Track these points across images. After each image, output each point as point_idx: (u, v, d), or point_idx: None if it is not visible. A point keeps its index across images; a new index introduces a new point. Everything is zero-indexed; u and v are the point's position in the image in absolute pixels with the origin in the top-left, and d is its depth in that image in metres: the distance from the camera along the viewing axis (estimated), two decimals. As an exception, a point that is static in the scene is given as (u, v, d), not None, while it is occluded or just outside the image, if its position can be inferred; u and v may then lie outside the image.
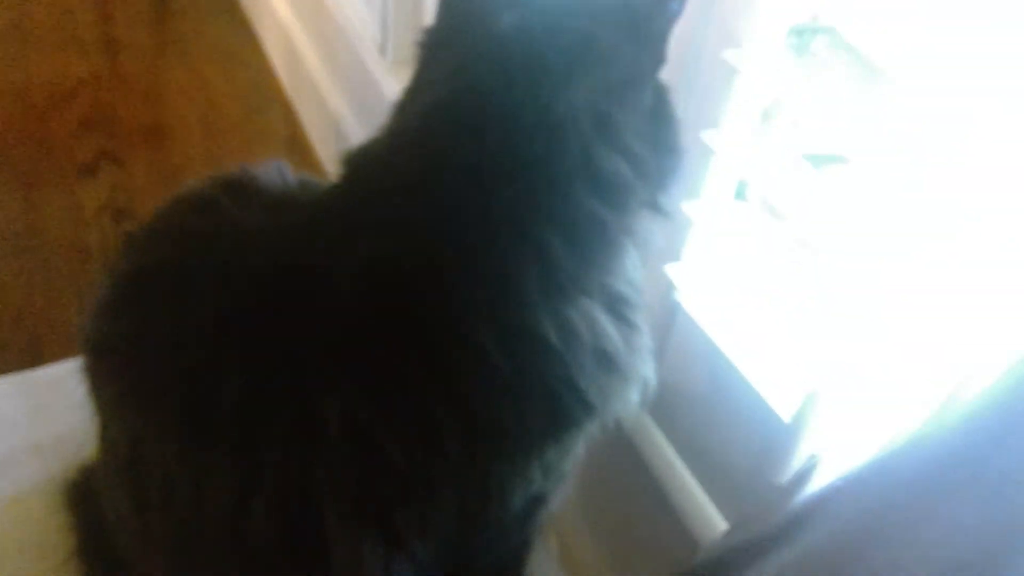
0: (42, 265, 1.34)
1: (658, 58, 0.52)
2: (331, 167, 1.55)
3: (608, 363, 0.50)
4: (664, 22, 0.51)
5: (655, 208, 0.53)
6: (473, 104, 0.48)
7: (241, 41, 2.00)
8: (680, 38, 0.55)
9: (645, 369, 0.55)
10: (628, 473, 0.82)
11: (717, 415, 0.71)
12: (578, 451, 0.56)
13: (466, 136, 0.47)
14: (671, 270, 0.71)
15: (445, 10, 0.52)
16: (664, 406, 0.76)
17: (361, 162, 0.51)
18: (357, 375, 0.46)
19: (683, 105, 0.67)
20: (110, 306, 0.53)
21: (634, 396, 0.55)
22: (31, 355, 1.19)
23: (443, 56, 0.51)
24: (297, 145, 1.67)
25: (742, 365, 0.65)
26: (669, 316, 0.74)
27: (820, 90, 0.57)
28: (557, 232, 0.47)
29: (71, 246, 1.39)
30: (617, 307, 0.51)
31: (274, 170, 0.58)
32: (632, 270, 0.52)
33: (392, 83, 1.21)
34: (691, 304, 0.71)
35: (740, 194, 0.69)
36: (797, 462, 0.59)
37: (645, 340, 0.54)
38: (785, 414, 0.61)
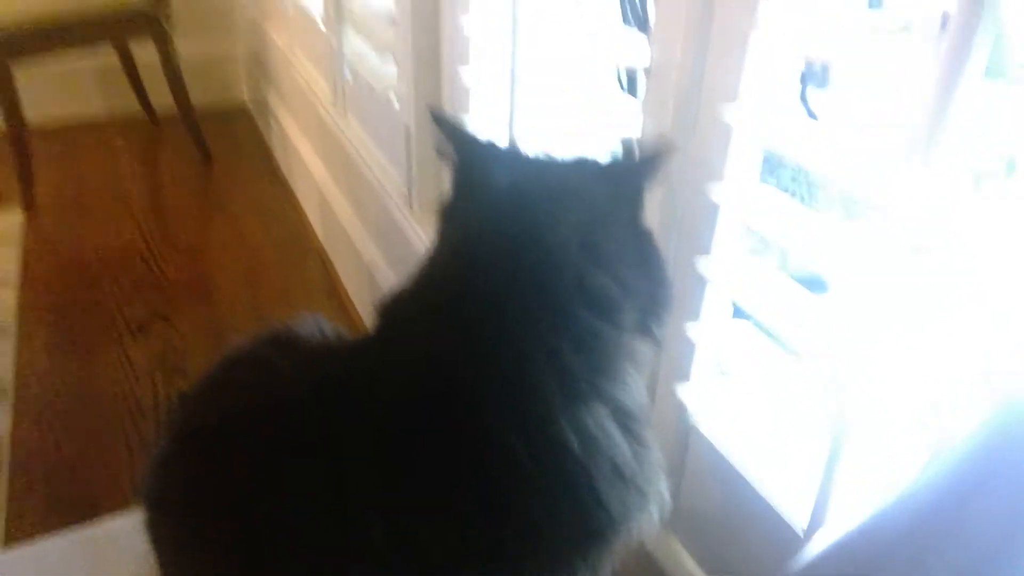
0: (96, 422, 1.42)
1: (635, 204, 0.59)
2: (365, 312, 1.64)
3: (621, 475, 0.54)
4: (634, 186, 0.59)
5: (647, 333, 0.58)
6: (484, 247, 0.56)
7: (280, 199, 2.15)
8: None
9: (659, 485, 0.58)
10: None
11: (735, 529, 0.72)
12: (606, 572, 0.59)
13: (481, 273, 0.55)
14: (682, 391, 0.75)
15: (455, 183, 0.61)
16: (684, 521, 0.78)
17: (393, 307, 0.58)
18: (398, 486, 0.51)
19: (675, 236, 0.74)
20: (167, 462, 0.59)
21: (653, 512, 0.58)
22: (86, 511, 1.23)
23: (456, 216, 0.60)
24: (334, 293, 1.77)
25: (755, 479, 0.68)
26: (684, 435, 0.77)
27: (804, 217, 0.63)
28: (565, 340, 0.53)
29: (124, 403, 1.46)
30: (624, 420, 0.55)
31: (312, 323, 0.65)
32: (634, 387, 0.57)
33: (418, 231, 1.31)
34: (703, 423, 0.74)
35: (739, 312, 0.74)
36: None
37: (655, 456, 0.58)
38: (799, 525, 0.63)
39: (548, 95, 0.91)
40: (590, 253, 0.55)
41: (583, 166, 0.60)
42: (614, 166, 0.60)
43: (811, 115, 1.45)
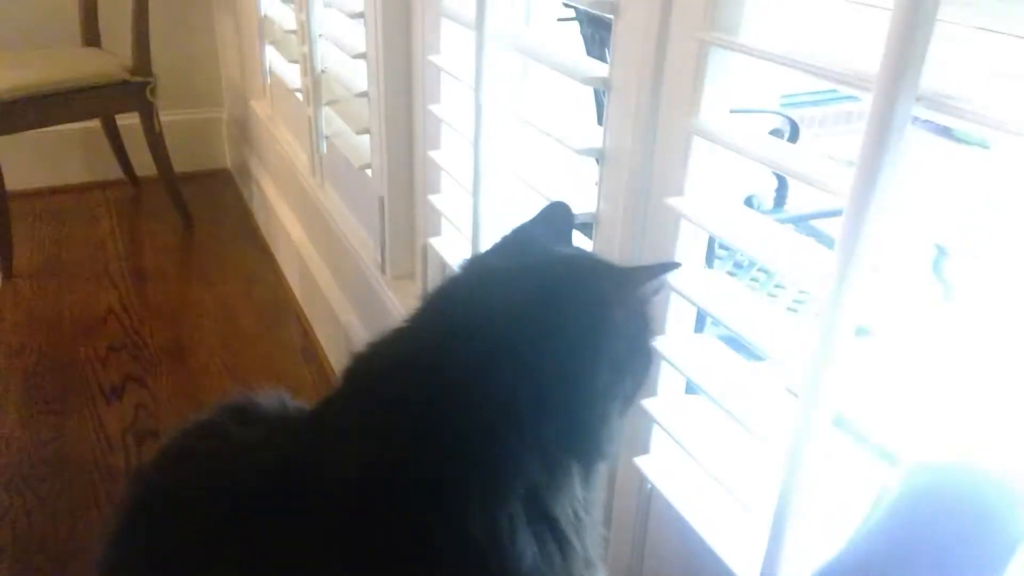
0: (67, 490, 1.41)
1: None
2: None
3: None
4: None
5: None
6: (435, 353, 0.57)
7: (260, 263, 2.18)
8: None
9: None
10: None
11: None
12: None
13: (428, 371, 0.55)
14: (642, 463, 0.78)
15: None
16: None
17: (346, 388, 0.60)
18: (349, 567, 0.52)
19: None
20: (117, 535, 0.60)
21: None
22: (55, 580, 1.23)
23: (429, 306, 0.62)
24: (313, 357, 1.79)
25: (711, 541, 0.70)
26: (645, 503, 0.80)
27: (747, 300, 0.67)
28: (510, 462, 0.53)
29: (96, 469, 1.46)
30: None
31: (275, 397, 0.67)
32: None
33: (392, 297, 1.34)
34: (664, 489, 0.77)
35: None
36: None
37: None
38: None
39: (511, 175, 0.96)
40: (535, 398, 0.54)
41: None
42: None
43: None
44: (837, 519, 0.59)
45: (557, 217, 0.65)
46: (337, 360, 1.71)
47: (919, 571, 0.37)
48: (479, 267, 0.62)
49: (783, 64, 0.57)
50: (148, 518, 0.60)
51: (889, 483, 0.42)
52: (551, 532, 0.54)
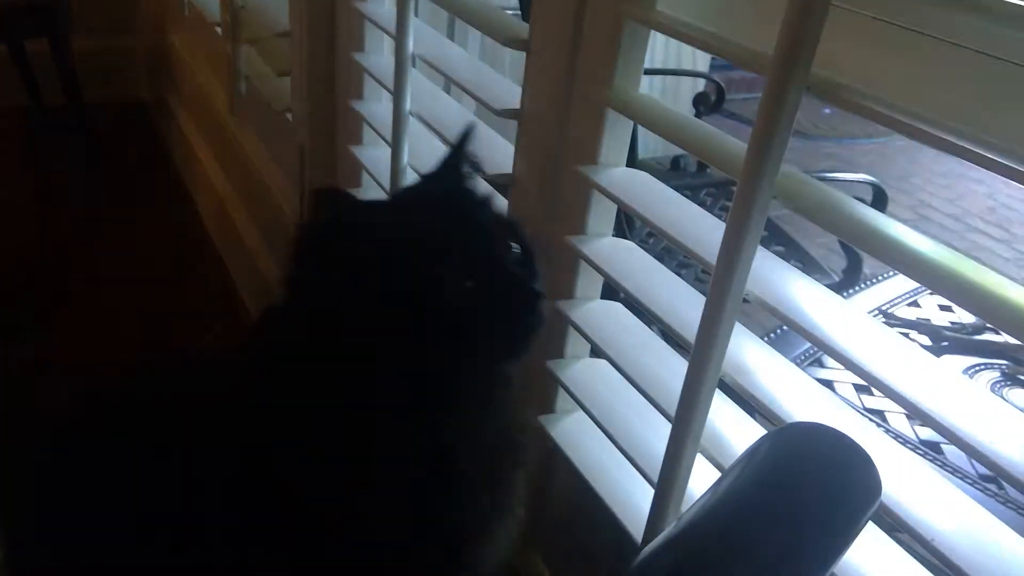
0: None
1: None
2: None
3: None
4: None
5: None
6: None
7: (176, 202, 2.11)
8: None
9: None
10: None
11: (587, 541, 0.79)
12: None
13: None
14: (546, 421, 0.81)
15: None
16: (546, 537, 0.84)
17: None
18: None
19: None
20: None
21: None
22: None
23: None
24: (230, 301, 1.75)
25: (606, 496, 0.74)
26: (548, 460, 0.83)
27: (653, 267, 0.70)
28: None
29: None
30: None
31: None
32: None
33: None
34: (566, 448, 0.80)
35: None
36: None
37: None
38: (637, 536, 0.69)
39: (435, 123, 0.95)
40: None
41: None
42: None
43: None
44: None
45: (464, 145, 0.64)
46: (254, 305, 1.68)
47: (780, 527, 0.40)
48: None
49: (689, 43, 0.58)
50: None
51: (758, 443, 0.46)
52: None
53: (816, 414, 0.56)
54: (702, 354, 0.58)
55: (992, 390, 1.08)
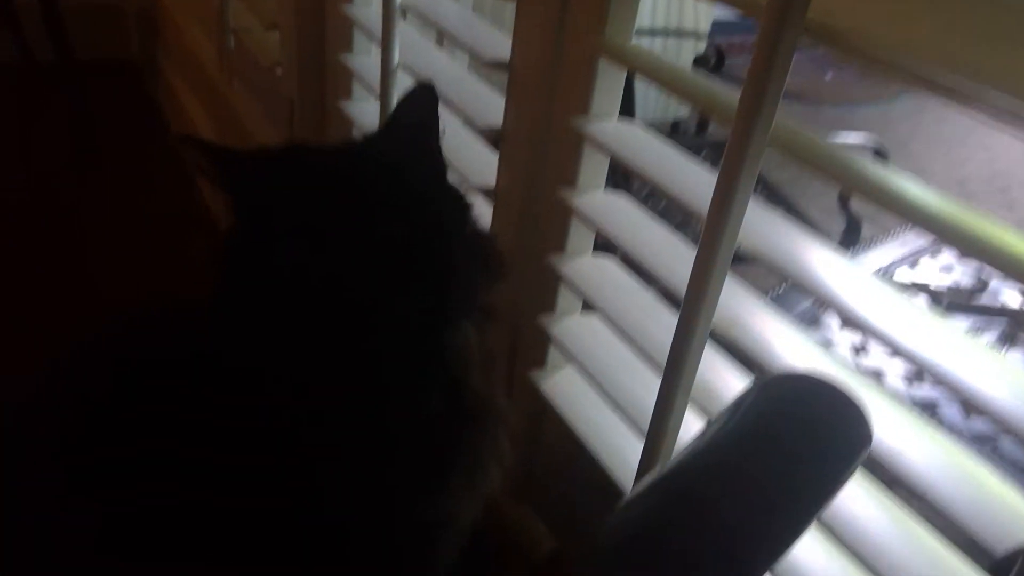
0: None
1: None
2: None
3: None
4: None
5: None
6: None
7: (167, 162, 2.08)
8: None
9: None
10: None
11: (578, 494, 0.79)
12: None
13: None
14: (537, 376, 0.80)
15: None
16: (537, 490, 0.83)
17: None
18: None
19: (528, 235, 0.78)
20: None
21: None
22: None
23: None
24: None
25: (596, 450, 0.73)
26: (539, 414, 0.83)
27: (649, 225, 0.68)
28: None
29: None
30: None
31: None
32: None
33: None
34: (557, 402, 0.79)
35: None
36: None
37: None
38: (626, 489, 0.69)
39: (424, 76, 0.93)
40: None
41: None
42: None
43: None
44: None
45: (421, 105, 0.62)
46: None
47: (770, 473, 0.39)
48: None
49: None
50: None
51: (746, 391, 0.45)
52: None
53: (808, 366, 0.56)
54: (693, 304, 0.57)
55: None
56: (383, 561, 0.60)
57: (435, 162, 0.62)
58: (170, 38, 2.16)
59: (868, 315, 0.51)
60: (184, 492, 0.54)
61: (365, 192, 0.55)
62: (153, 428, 0.55)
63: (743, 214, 0.54)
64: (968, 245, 0.44)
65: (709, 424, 0.43)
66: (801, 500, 0.37)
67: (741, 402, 0.41)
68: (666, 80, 0.63)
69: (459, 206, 0.61)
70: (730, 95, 0.58)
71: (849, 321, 0.51)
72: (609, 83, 0.70)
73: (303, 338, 0.53)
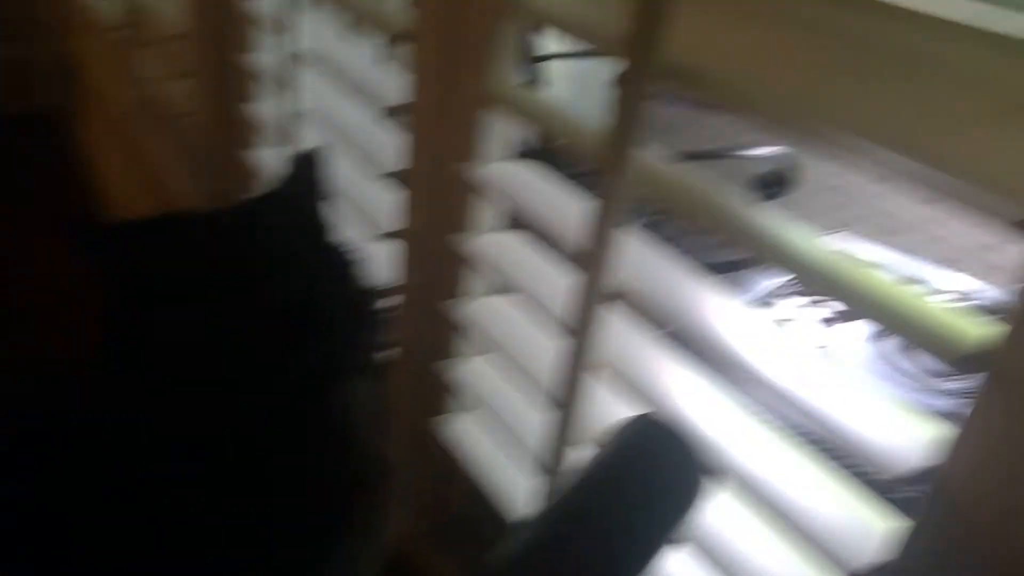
0: None
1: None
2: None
3: None
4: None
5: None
6: None
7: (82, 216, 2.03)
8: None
9: None
10: None
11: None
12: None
13: None
14: (441, 420, 0.80)
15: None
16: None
17: None
18: None
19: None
20: None
21: None
22: None
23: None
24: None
25: (499, 489, 0.73)
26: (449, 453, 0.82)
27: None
28: None
29: None
30: None
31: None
32: None
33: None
34: (465, 445, 0.79)
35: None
36: None
37: None
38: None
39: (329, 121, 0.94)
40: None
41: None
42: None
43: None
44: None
45: (303, 170, 0.63)
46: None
47: (611, 515, 0.40)
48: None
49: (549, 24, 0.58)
50: None
51: (607, 435, 0.46)
52: None
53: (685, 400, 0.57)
54: (574, 343, 0.58)
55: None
56: None
57: (313, 224, 0.62)
58: (84, 88, 2.12)
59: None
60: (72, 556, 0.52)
61: (239, 258, 0.55)
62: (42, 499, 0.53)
63: (616, 250, 0.55)
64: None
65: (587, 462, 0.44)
66: (638, 537, 0.38)
67: (600, 450, 0.43)
68: (544, 120, 0.64)
69: (338, 265, 0.61)
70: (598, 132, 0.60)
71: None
72: (496, 127, 0.71)
73: (185, 408, 0.52)
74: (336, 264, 0.60)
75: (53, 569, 0.51)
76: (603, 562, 0.38)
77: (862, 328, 1.18)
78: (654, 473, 0.41)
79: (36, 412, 0.60)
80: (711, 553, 0.51)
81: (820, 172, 1.91)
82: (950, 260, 1.48)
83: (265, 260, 0.55)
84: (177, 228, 0.58)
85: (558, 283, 0.69)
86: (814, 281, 0.45)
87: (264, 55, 1.06)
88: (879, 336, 1.15)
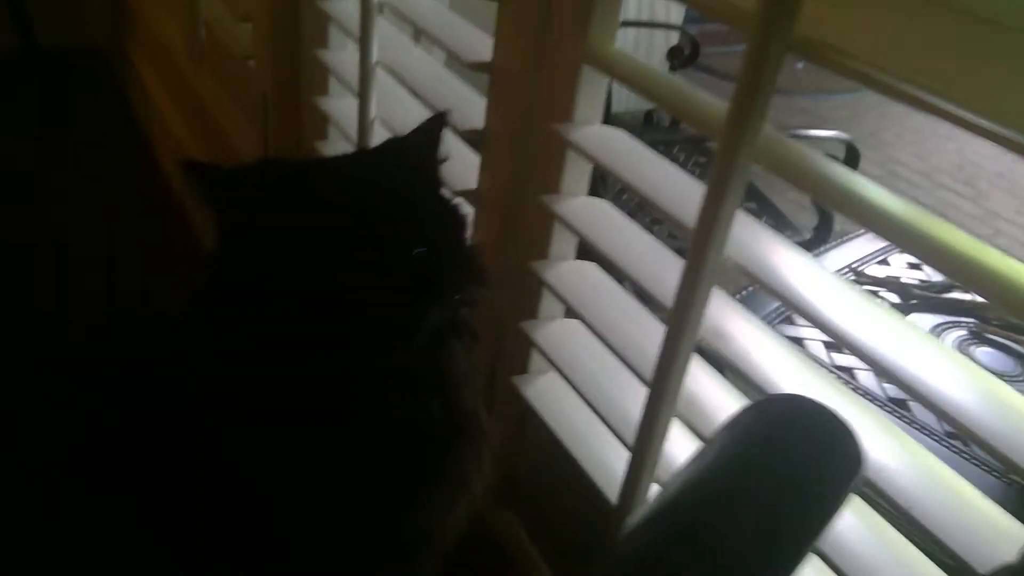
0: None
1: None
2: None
3: None
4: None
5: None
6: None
7: (137, 156, 2.04)
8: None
9: None
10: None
11: (563, 502, 0.79)
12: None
13: None
14: (520, 382, 0.80)
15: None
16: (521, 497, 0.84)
17: None
18: None
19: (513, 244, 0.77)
20: None
21: None
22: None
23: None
24: (199, 259, 1.70)
25: (581, 458, 0.73)
26: (522, 420, 0.83)
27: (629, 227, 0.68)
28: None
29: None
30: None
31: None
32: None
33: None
34: (540, 409, 0.79)
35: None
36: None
37: None
38: (613, 499, 0.69)
39: (404, 82, 0.92)
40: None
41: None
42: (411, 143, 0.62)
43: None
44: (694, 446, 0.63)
45: (431, 129, 0.63)
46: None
47: (772, 501, 0.39)
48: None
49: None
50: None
51: (740, 414, 0.45)
52: None
53: (791, 377, 0.56)
54: (679, 320, 0.57)
55: (959, 348, 1.09)
56: (366, 573, 0.60)
57: (433, 180, 0.62)
58: (138, 25, 2.11)
59: (834, 319, 0.51)
60: (176, 509, 0.53)
61: (359, 208, 0.54)
62: (137, 444, 0.55)
63: (728, 232, 0.54)
64: (931, 257, 0.45)
65: (704, 447, 0.43)
66: (803, 525, 0.37)
67: (735, 426, 0.42)
68: (648, 88, 0.62)
69: (452, 220, 0.60)
70: (709, 103, 0.58)
71: (817, 326, 0.51)
72: (592, 89, 0.70)
73: (294, 352, 0.52)
74: (453, 220, 0.60)
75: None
76: (770, 547, 0.36)
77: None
78: (818, 455, 0.39)
79: (143, 352, 0.62)
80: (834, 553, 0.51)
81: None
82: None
83: (389, 211, 0.54)
84: (298, 173, 0.58)
85: (650, 252, 0.68)
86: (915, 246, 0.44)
87: (338, 2, 1.03)
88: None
